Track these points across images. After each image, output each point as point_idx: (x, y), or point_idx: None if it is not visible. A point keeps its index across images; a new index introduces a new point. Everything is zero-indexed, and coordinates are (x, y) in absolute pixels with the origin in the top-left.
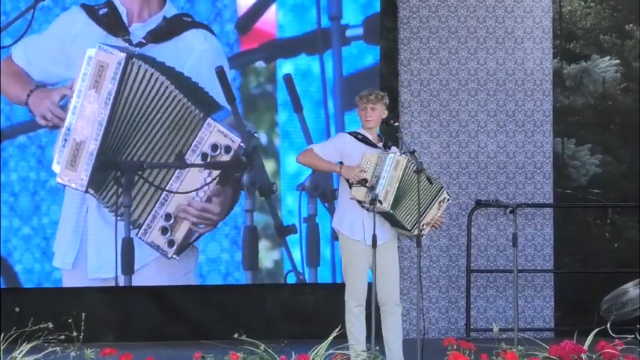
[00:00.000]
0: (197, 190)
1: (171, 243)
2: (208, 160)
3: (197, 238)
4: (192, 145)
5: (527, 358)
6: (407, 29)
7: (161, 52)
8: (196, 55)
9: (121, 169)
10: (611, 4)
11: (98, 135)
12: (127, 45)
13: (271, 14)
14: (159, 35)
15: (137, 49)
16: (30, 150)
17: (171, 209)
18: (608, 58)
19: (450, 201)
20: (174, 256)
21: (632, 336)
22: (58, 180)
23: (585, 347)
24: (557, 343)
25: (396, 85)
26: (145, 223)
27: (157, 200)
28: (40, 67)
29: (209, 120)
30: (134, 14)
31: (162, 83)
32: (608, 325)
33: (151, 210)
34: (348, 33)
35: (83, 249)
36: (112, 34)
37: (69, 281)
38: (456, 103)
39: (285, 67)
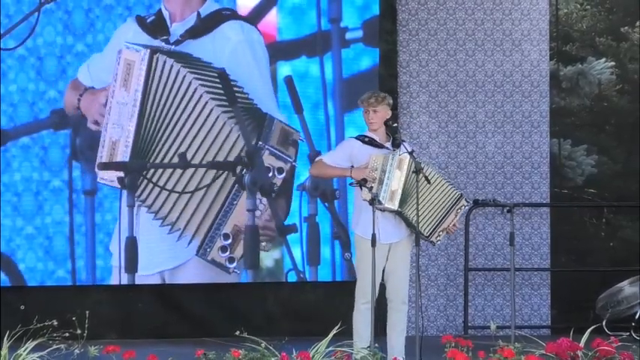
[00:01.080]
0: (199, 189)
1: (231, 260)
2: (258, 183)
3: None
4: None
5: (524, 355)
6: (406, 32)
7: (198, 47)
8: (232, 46)
9: (125, 170)
10: (607, 7)
11: (130, 132)
12: (162, 44)
13: (272, 17)
14: (195, 32)
15: (172, 46)
16: (33, 151)
17: (229, 229)
18: (603, 60)
19: (466, 207)
20: (235, 270)
21: (628, 333)
22: (99, 180)
23: (581, 344)
24: (553, 341)
25: (395, 86)
26: (205, 243)
27: (214, 221)
28: (103, 81)
29: (259, 144)
30: (176, 16)
31: (190, 81)
32: (604, 323)
33: (209, 231)
34: (348, 35)
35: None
36: (153, 37)
37: (119, 278)
38: (455, 104)
39: (286, 68)
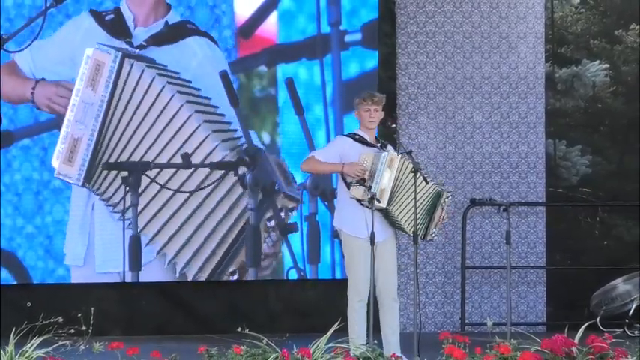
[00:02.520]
0: (202, 188)
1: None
2: (273, 224)
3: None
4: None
5: (519, 351)
6: (404, 34)
7: (162, 55)
8: (198, 60)
9: (129, 170)
10: (601, 11)
11: (94, 131)
12: (127, 47)
13: (272, 20)
14: (160, 39)
15: (137, 50)
16: (33, 152)
17: (236, 266)
18: (597, 62)
19: (450, 197)
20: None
21: (621, 330)
22: (56, 175)
23: (576, 341)
24: (548, 337)
25: (394, 88)
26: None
27: (221, 262)
28: (48, 70)
29: (276, 188)
30: (139, 19)
31: (163, 86)
32: (598, 320)
33: (216, 269)
34: (347, 38)
35: (91, 245)
36: (114, 37)
37: (78, 277)
38: (452, 106)
39: (286, 71)
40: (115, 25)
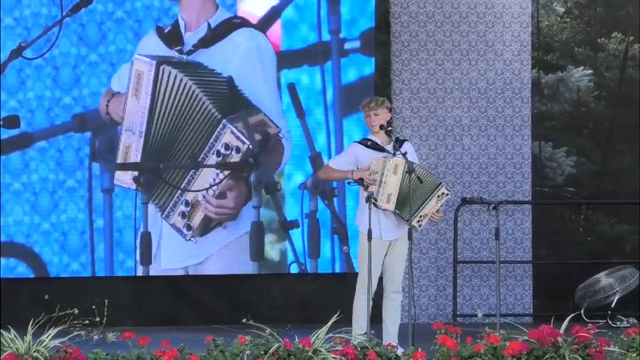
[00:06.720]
0: (209, 188)
1: (188, 227)
2: (220, 158)
3: (216, 226)
4: (209, 143)
5: (508, 341)
6: (398, 42)
7: (209, 56)
8: (241, 53)
9: (140, 170)
10: (585, 20)
11: (140, 138)
12: (176, 53)
13: (276, 28)
14: (207, 40)
15: (185, 56)
16: (49, 153)
17: (190, 197)
18: (582, 68)
19: (448, 195)
20: (192, 238)
21: (604, 321)
22: (115, 182)
23: (561, 331)
24: (535, 328)
25: (389, 93)
26: (169, 207)
27: (179, 190)
28: None
29: (224, 121)
30: (191, 25)
31: (190, 87)
32: (582, 311)
33: (174, 196)
34: (346, 46)
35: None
36: (169, 47)
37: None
38: (443, 110)
39: (289, 76)
40: (171, 35)
